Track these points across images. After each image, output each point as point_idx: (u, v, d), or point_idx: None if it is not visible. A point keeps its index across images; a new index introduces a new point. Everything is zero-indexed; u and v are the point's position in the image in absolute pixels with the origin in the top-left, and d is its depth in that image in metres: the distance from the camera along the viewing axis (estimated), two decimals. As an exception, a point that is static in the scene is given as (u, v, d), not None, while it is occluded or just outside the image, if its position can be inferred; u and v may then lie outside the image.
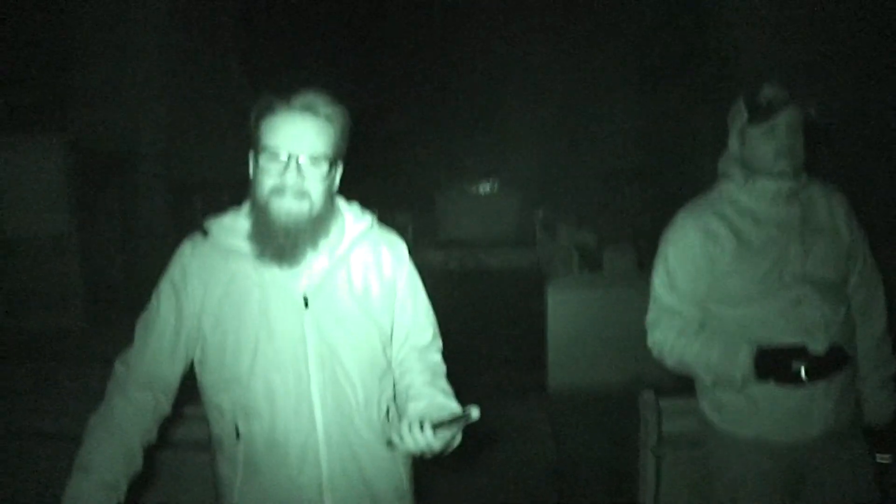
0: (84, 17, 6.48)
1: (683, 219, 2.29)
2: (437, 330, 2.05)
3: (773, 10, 6.59)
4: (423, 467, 1.88)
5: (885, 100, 6.35)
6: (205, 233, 1.80)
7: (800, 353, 2.04)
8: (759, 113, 2.14)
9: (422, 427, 1.64)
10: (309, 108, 1.72)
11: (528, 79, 17.33)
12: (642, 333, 2.35)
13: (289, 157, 1.69)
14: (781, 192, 2.17)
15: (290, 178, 1.69)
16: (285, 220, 1.70)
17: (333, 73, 13.37)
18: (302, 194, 1.70)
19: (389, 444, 1.73)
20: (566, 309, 5.47)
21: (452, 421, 1.65)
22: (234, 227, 1.79)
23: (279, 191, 1.69)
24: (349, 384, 1.79)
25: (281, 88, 1.77)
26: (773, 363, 2.06)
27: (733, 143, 2.25)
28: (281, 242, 1.71)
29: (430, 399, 1.81)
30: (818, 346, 2.06)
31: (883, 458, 2.32)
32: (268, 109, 1.73)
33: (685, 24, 9.37)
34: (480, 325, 8.53)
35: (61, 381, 3.47)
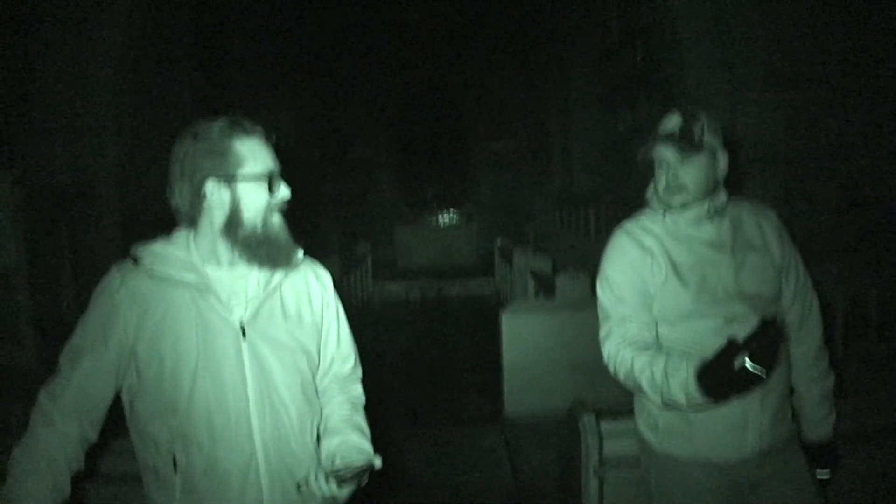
0: (34, 51, 6.43)
1: (619, 236, 2.30)
2: (358, 359, 2.12)
3: (720, 35, 6.74)
4: (372, 491, 1.91)
5: (834, 121, 6.55)
6: (135, 261, 1.80)
7: (732, 347, 1.76)
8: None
9: (327, 479, 1.72)
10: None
11: (488, 109, 17.52)
12: (594, 356, 2.34)
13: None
14: (699, 217, 2.20)
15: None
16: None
17: (293, 105, 13.40)
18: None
19: (298, 488, 1.79)
20: (520, 334, 5.50)
21: (356, 473, 1.75)
22: (166, 255, 1.81)
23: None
24: (284, 410, 1.84)
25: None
26: (714, 373, 1.79)
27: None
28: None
29: (343, 437, 1.90)
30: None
31: (822, 474, 2.34)
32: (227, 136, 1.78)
33: (636, 50, 9.59)
34: (441, 354, 8.57)
35: (11, 418, 3.41)
